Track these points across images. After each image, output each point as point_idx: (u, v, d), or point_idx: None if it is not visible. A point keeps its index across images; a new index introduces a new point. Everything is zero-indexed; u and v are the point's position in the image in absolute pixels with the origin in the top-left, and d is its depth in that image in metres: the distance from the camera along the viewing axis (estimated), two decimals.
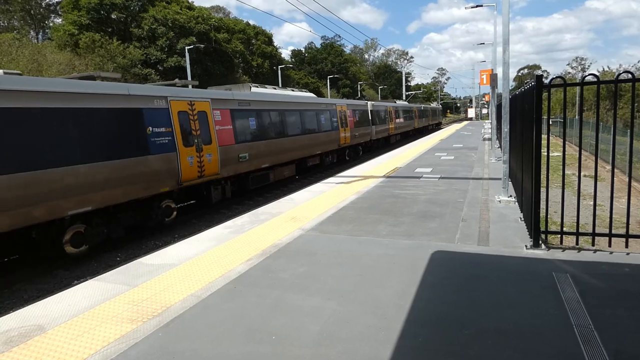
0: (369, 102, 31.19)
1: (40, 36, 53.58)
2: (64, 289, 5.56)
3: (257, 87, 18.21)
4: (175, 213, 11.80)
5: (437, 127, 59.76)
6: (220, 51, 50.16)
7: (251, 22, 65.98)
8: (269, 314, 4.32)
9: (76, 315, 4.49)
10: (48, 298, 5.05)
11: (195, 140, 12.00)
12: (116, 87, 10.25)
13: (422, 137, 37.94)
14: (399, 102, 44.97)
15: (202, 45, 43.63)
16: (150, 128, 10.58)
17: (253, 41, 61.91)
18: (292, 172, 18.43)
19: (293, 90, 22.17)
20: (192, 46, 40.30)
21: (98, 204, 9.22)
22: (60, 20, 49.14)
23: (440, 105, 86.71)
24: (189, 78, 36.98)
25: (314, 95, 24.00)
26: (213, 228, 8.12)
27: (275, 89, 19.82)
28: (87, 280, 5.76)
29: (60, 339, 4.01)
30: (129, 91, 10.40)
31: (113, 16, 45.13)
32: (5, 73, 8.46)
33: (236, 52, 54.50)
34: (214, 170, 12.73)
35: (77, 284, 5.53)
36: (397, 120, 37.24)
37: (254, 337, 3.89)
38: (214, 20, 51.78)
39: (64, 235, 8.95)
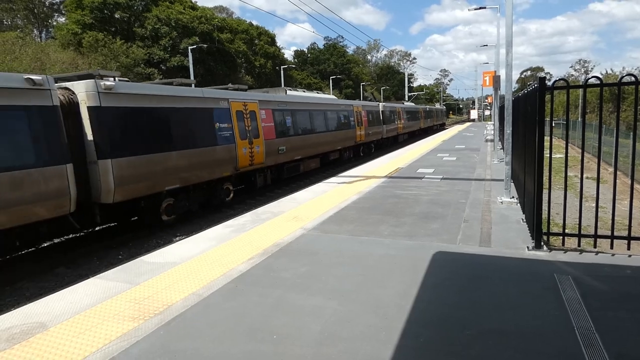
0: (380, 104, 33.33)
1: (43, 35, 53.76)
2: (66, 286, 5.56)
3: (291, 90, 20.85)
4: (232, 194, 14.49)
5: (441, 127, 62.10)
6: (223, 51, 50.19)
7: (254, 23, 65.88)
8: (271, 313, 4.33)
9: (78, 312, 4.51)
10: (50, 295, 5.07)
11: (248, 135, 14.63)
12: (194, 91, 13.21)
13: (427, 136, 39.44)
14: (407, 104, 46.77)
15: (205, 45, 43.66)
16: (218, 124, 13.26)
17: (256, 41, 61.91)
18: (317, 165, 20.89)
19: (318, 93, 25.48)
20: (195, 46, 40.33)
21: (183, 182, 11.82)
22: (63, 19, 49.30)
23: (444, 107, 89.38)
24: (192, 78, 37.03)
25: (336, 98, 27.72)
26: (215, 227, 8.13)
27: (304, 91, 23.04)
28: (89, 278, 5.77)
29: (62, 336, 4.03)
30: (203, 94, 13.09)
31: (116, 15, 45.21)
32: (120, 80, 10.52)
33: (239, 52, 54.51)
34: (261, 159, 15.40)
35: (79, 282, 5.54)
36: (405, 121, 39.47)
37: (256, 336, 3.89)
38: (217, 20, 51.80)
39: (160, 206, 11.49)
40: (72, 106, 9.36)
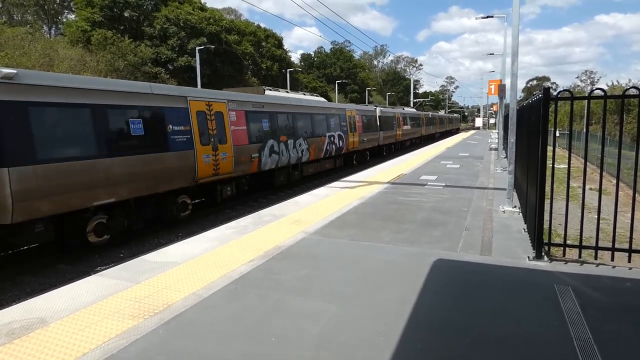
0: (429, 113, 58.46)
1: (53, 31, 54.01)
2: (67, 283, 5.60)
3: (405, 107, 46.37)
4: (385, 151, 31.45)
5: (457, 130, 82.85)
6: (230, 52, 50.40)
7: (262, 25, 66.08)
8: (270, 315, 4.35)
9: (78, 309, 4.54)
10: (51, 292, 5.10)
11: (398, 126, 34.28)
12: (370, 109, 29.57)
13: (450, 136, 57.10)
14: (440, 113, 75.18)
15: (213, 46, 43.86)
16: (405, 122, 37.77)
17: (263, 44, 62.15)
18: (409, 144, 40.27)
19: (409, 108, 52.37)
20: (202, 47, 40.52)
21: (381, 143, 30.55)
22: (73, 16, 49.57)
23: (459, 115, 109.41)
24: (199, 78, 37.21)
25: (414, 110, 50.63)
26: (216, 228, 8.16)
27: (404, 108, 45.65)
28: (90, 275, 5.80)
29: (62, 332, 4.05)
30: (375, 109, 30.35)
31: (126, 14, 45.48)
32: (381, 106, 30.32)
33: (246, 54, 54.75)
34: (400, 137, 35.06)
35: (80, 279, 5.57)
36: (439, 123, 60.75)
37: (254, 338, 3.91)
38: (225, 22, 52.06)
39: (365, 156, 28.03)
40: (352, 116, 24.14)
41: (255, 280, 5.35)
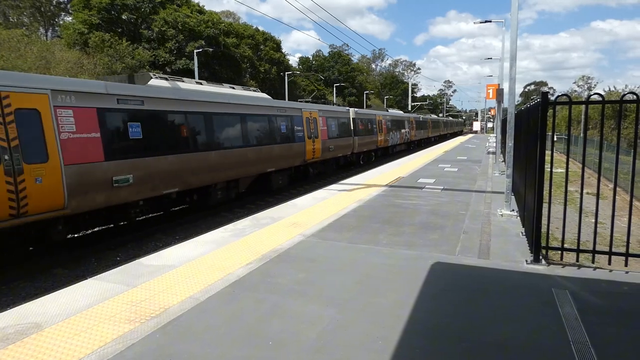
0: (442, 118, 76.54)
1: (49, 34, 53.96)
2: (62, 287, 5.55)
3: (431, 115, 76.28)
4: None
5: (460, 132, 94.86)
6: (229, 55, 50.40)
7: (260, 28, 66.16)
8: (267, 319, 4.32)
9: (74, 314, 4.50)
10: (46, 296, 5.06)
11: (428, 129, 53.55)
12: (417, 116, 49.14)
13: (455, 137, 70.24)
14: (449, 118, 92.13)
15: (211, 49, 43.87)
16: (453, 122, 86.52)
17: (261, 47, 62.12)
18: (433, 140, 55.75)
19: (434, 115, 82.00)
20: (200, 49, 40.51)
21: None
22: (70, 18, 49.53)
23: (462, 119, 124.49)
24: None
25: (436, 117, 69.47)
26: (214, 231, 8.13)
27: (431, 115, 73.17)
28: (86, 279, 5.76)
29: (57, 337, 4.02)
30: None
31: (123, 17, 45.40)
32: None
33: (244, 57, 54.75)
34: (430, 134, 53.69)
35: (76, 283, 5.53)
36: (449, 126, 75.03)
37: (251, 342, 3.89)
38: (223, 24, 52.06)
39: (410, 146, 44.34)
40: (411, 121, 42.55)
41: (252, 283, 5.33)
